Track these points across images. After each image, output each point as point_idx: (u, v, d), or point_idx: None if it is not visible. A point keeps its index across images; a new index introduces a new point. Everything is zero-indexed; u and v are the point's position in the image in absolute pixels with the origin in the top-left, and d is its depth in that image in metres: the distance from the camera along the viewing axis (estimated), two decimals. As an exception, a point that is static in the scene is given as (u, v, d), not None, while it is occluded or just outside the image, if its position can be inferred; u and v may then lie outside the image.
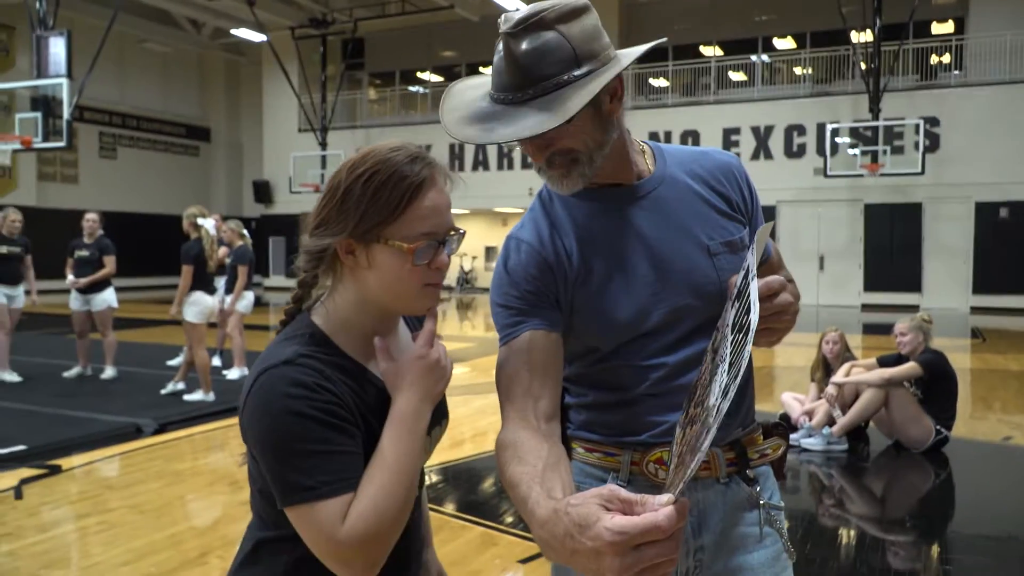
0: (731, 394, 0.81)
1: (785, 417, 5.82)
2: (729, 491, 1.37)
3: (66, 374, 8.19)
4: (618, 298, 1.31)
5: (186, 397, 7.12)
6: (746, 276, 1.08)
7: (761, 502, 1.38)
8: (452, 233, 1.16)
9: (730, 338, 0.97)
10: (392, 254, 1.12)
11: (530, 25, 1.16)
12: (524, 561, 3.61)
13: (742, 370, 0.84)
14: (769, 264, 1.48)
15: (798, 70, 20.10)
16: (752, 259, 1.09)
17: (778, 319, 1.23)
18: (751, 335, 0.90)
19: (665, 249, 1.33)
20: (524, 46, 1.16)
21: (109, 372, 8.19)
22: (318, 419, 1.04)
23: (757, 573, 1.37)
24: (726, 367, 0.90)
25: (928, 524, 4.40)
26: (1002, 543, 3.99)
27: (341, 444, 1.05)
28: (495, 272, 1.36)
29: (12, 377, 7.92)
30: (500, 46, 1.19)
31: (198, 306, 7.07)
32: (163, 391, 7.36)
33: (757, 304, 0.96)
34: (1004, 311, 16.65)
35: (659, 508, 0.75)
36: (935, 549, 3.99)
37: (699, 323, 1.34)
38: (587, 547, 0.79)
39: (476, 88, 1.28)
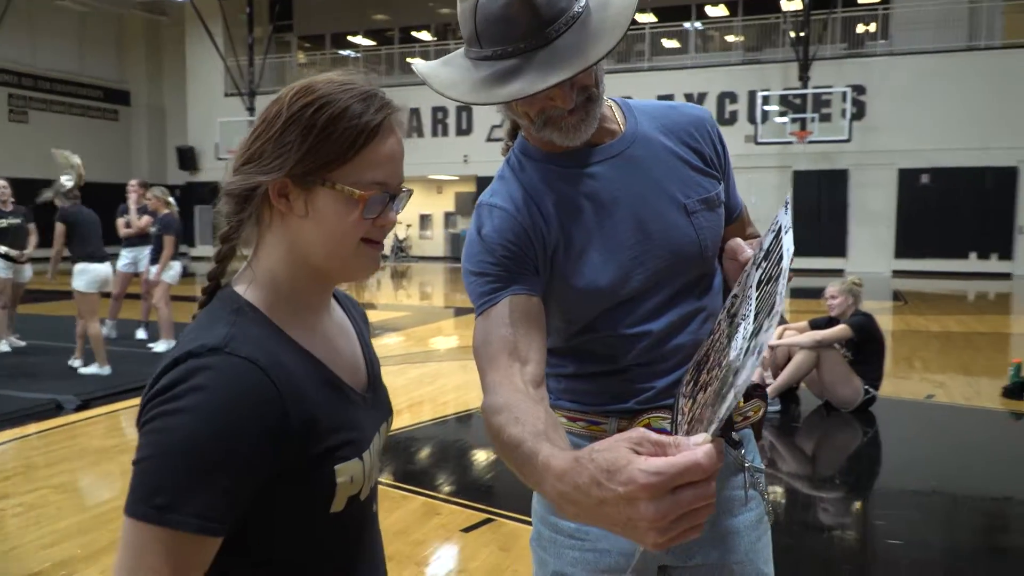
0: (772, 331, 0.77)
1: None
2: None
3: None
4: (598, 263, 1.27)
5: (81, 370, 6.82)
6: (778, 234, 1.02)
7: (746, 465, 1.38)
8: (402, 189, 1.02)
9: (755, 297, 0.93)
10: (337, 200, 0.95)
11: None
12: (467, 530, 3.58)
13: (779, 312, 0.80)
14: (740, 220, 1.47)
15: (730, 38, 20.28)
16: (785, 218, 1.05)
17: None
18: (783, 280, 0.86)
19: (642, 210, 1.28)
20: None
21: (17, 342, 8.01)
22: (229, 442, 0.84)
23: (743, 535, 1.38)
24: (751, 320, 0.86)
25: (857, 481, 4.53)
26: (927, 497, 4.13)
27: (228, 479, 0.85)
28: (468, 240, 1.28)
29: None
30: (491, 2, 1.11)
31: (87, 275, 6.76)
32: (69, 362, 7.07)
33: (791, 253, 0.91)
34: (925, 274, 17.25)
35: (696, 447, 0.68)
36: (863, 504, 4.11)
37: (680, 286, 1.31)
38: (617, 493, 0.70)
39: (450, 64, 1.22)
